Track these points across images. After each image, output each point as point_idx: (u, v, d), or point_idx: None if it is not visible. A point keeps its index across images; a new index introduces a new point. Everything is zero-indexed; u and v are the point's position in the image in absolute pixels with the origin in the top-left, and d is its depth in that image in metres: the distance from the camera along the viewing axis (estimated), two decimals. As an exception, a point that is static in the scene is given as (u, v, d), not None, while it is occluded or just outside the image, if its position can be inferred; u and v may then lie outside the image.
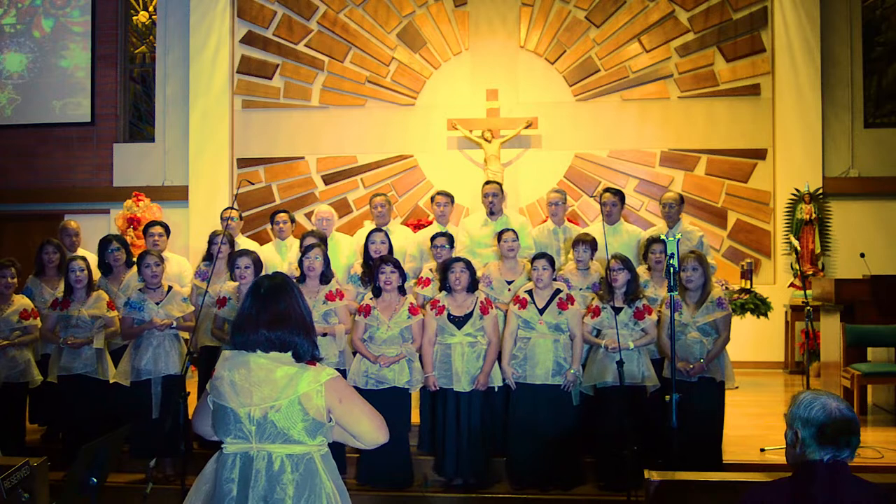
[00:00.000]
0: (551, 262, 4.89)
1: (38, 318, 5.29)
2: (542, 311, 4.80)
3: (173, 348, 5.06)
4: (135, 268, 5.49)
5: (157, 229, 5.88)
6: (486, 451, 4.87)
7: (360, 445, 2.44)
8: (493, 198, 5.85)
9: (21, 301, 5.28)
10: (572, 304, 4.84)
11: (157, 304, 5.03)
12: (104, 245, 5.56)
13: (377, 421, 2.38)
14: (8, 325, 5.16)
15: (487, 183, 6.13)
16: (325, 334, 4.84)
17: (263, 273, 5.31)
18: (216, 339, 5.08)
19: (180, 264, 6.11)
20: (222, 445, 2.37)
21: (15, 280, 5.27)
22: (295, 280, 4.96)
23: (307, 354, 2.37)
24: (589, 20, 9.10)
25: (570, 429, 4.80)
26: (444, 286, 4.93)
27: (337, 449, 4.93)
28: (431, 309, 4.89)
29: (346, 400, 2.35)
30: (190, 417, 4.76)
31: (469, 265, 4.91)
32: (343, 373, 4.87)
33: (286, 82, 9.39)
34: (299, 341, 2.36)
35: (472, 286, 4.91)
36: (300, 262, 4.98)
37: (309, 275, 4.91)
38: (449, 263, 4.93)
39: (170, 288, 5.15)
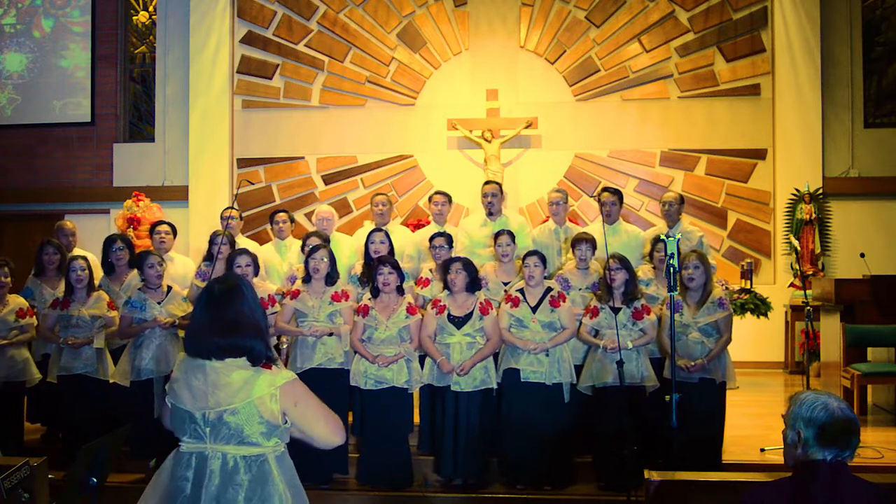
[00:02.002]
0: (542, 259, 4.88)
1: (34, 317, 5.30)
2: (534, 310, 4.80)
3: (174, 348, 5.06)
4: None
5: (164, 228, 5.90)
6: (485, 451, 4.87)
7: (317, 446, 2.44)
8: (493, 198, 5.85)
9: (16, 300, 5.28)
10: (563, 300, 4.84)
11: (159, 303, 5.05)
12: (109, 244, 5.56)
13: (332, 424, 2.40)
14: (5, 324, 5.16)
15: (487, 183, 6.12)
16: (331, 334, 4.86)
17: (262, 272, 5.33)
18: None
19: (186, 265, 6.10)
20: (180, 443, 2.40)
21: (8, 279, 5.27)
22: (300, 280, 5.02)
23: (262, 357, 2.38)
24: (589, 20, 9.10)
25: (564, 427, 4.80)
26: (446, 286, 4.93)
27: (338, 448, 4.97)
28: (432, 308, 4.89)
29: (301, 403, 2.36)
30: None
31: (467, 265, 4.90)
32: (347, 373, 4.88)
33: (286, 82, 9.39)
34: (252, 344, 2.37)
35: (472, 286, 4.90)
36: (305, 263, 4.99)
37: (314, 276, 4.92)
38: (448, 263, 4.94)
39: (169, 288, 5.17)
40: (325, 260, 4.92)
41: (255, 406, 2.31)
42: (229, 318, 2.37)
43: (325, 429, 2.38)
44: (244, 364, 2.35)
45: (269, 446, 2.35)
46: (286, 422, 2.35)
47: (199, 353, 2.38)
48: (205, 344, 2.37)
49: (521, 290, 4.88)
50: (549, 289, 4.87)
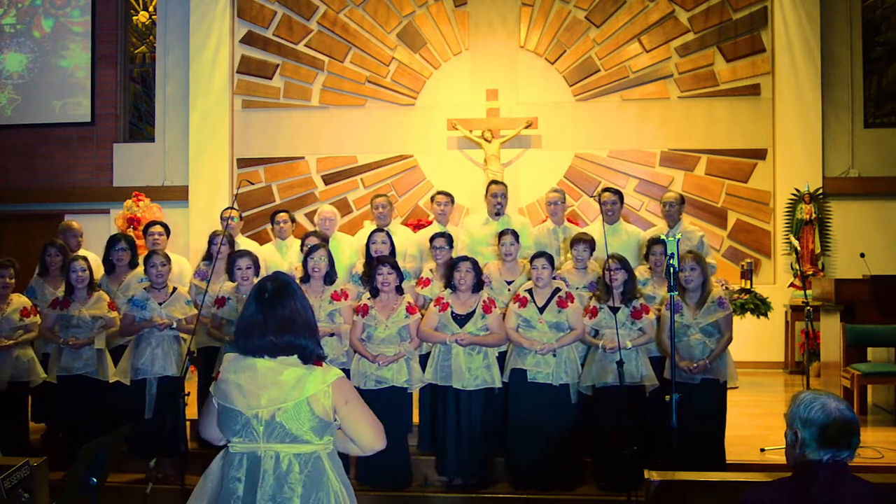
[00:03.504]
0: (550, 260, 4.89)
1: (38, 316, 5.31)
2: (541, 310, 4.81)
3: (172, 349, 5.05)
4: (138, 269, 5.50)
5: (157, 228, 5.91)
6: (487, 450, 4.87)
7: (356, 452, 2.43)
8: (501, 198, 5.86)
9: (20, 300, 5.29)
10: (572, 301, 4.84)
11: (161, 304, 5.04)
12: (112, 243, 5.58)
13: (376, 427, 2.39)
14: (10, 324, 5.17)
15: (495, 183, 6.12)
16: (332, 334, 4.86)
17: (263, 272, 5.32)
18: (212, 338, 5.10)
19: (179, 264, 6.11)
20: (228, 444, 2.37)
21: (13, 280, 5.28)
22: (299, 280, 5.01)
23: (313, 355, 2.36)
24: (589, 20, 9.10)
25: (571, 428, 4.79)
26: (449, 284, 4.94)
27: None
28: (435, 305, 4.90)
29: (350, 402, 2.36)
30: (189, 418, 4.77)
31: (476, 265, 4.91)
32: (348, 373, 4.88)
33: (286, 82, 9.39)
34: (305, 343, 2.35)
35: (477, 286, 4.91)
36: (304, 263, 4.99)
37: (313, 275, 4.92)
38: (456, 262, 4.94)
39: (174, 289, 5.16)
40: (324, 260, 4.93)
41: (307, 404, 2.29)
42: (284, 316, 2.35)
43: (369, 430, 2.37)
44: (295, 362, 2.34)
45: (321, 444, 2.33)
46: (336, 419, 2.34)
47: (252, 351, 2.35)
48: (258, 342, 2.34)
49: (530, 291, 4.88)
50: (558, 289, 4.88)
